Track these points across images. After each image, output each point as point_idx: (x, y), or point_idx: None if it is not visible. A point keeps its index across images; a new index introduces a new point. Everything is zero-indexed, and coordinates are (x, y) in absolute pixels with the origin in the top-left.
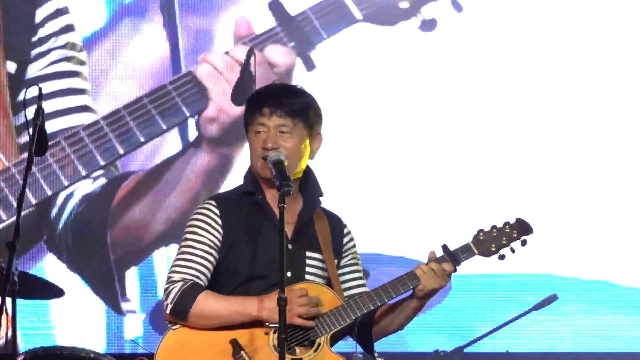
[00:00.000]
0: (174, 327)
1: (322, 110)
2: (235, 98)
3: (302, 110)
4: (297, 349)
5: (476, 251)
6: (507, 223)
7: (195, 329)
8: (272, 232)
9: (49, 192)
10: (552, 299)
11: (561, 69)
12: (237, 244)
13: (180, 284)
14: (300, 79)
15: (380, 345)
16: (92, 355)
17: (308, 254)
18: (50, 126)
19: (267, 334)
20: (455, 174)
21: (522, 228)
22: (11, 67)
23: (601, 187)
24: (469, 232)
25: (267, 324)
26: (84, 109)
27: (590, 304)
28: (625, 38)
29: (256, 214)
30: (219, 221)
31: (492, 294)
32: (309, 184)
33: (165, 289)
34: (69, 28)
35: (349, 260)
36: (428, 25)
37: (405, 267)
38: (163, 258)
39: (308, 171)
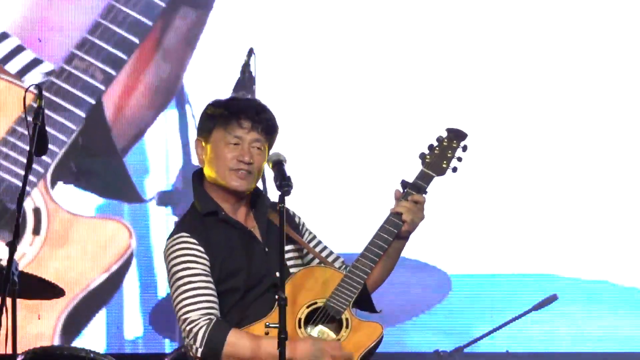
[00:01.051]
0: None
1: (311, 109)
2: None
3: (274, 131)
4: (329, 332)
5: (433, 173)
6: (441, 138)
7: None
8: (246, 242)
9: (93, 101)
10: (552, 299)
11: (562, 68)
12: (221, 266)
13: (203, 323)
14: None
15: (379, 347)
16: (92, 355)
17: (285, 247)
18: None
19: (294, 330)
20: (453, 175)
21: (457, 136)
22: None
23: (601, 186)
24: (468, 230)
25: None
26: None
27: (591, 304)
28: (627, 34)
29: (225, 230)
30: (200, 248)
31: (492, 294)
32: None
33: (188, 331)
34: None
35: (309, 236)
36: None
37: (403, 267)
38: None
39: None
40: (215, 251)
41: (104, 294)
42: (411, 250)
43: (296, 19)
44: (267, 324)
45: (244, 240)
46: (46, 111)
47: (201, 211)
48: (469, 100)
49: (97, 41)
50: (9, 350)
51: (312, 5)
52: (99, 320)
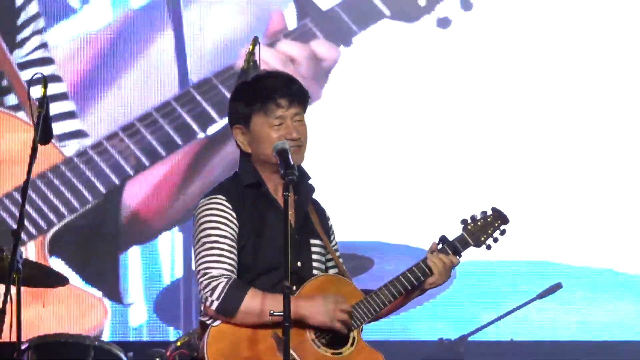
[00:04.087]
0: (214, 325)
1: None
2: None
3: (308, 97)
4: (334, 343)
5: (471, 242)
6: (485, 213)
7: (236, 325)
8: (279, 223)
9: (117, 182)
10: (556, 287)
11: (566, 62)
12: (250, 238)
13: (223, 279)
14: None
15: (384, 334)
16: (96, 342)
17: (311, 241)
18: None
19: (303, 327)
20: (458, 164)
21: (501, 218)
22: None
23: (605, 175)
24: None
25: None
26: (63, 96)
27: (595, 291)
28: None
29: (261, 205)
30: (234, 214)
31: (497, 282)
32: (300, 172)
33: (206, 284)
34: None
35: (335, 244)
36: (443, 22)
37: (408, 255)
38: (167, 245)
39: None
40: (247, 221)
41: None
42: (416, 238)
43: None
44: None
45: (275, 220)
46: (69, 175)
47: (243, 182)
48: (473, 95)
49: (142, 129)
50: (14, 338)
51: None
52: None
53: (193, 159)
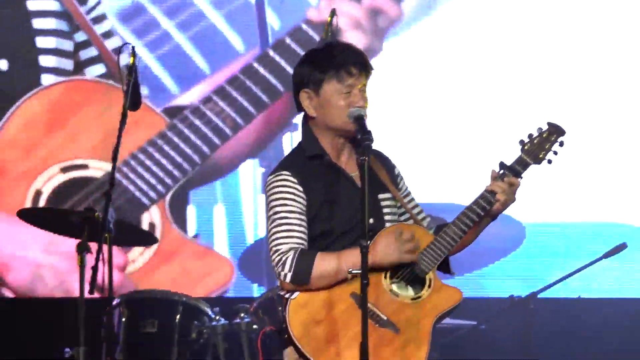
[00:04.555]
0: (292, 297)
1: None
2: None
3: (371, 71)
4: (411, 288)
5: (530, 161)
6: (541, 130)
7: (312, 291)
8: (347, 187)
9: (219, 143)
10: (622, 247)
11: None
12: (320, 207)
13: (292, 252)
14: None
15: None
16: (184, 298)
17: (380, 196)
18: None
19: (379, 280)
20: (526, 120)
21: (557, 130)
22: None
23: None
24: (541, 181)
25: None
26: None
27: None
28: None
29: (326, 173)
30: (300, 188)
31: (564, 243)
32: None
33: (277, 260)
34: None
35: (405, 190)
36: None
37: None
38: (250, 206)
39: None
40: (314, 192)
41: None
42: (458, 196)
43: None
44: (350, 270)
45: (343, 186)
46: (175, 139)
47: (307, 153)
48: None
49: (233, 92)
50: (106, 294)
51: None
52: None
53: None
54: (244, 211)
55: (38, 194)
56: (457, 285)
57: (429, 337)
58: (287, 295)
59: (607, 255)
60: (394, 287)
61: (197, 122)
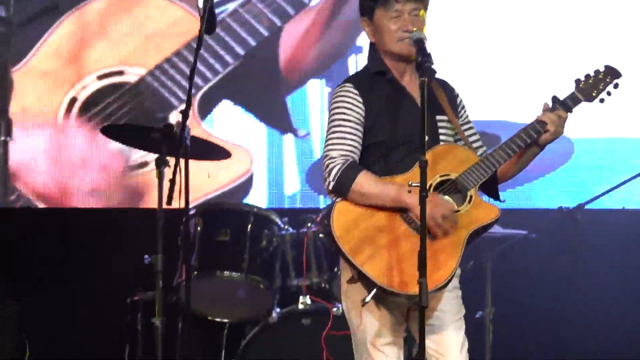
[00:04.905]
0: (338, 200)
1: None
2: None
3: None
4: (453, 202)
5: (582, 98)
6: (598, 71)
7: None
8: (406, 103)
9: (253, 43)
10: None
11: None
12: (378, 118)
13: (339, 161)
14: None
15: (511, 202)
16: (255, 209)
17: (437, 117)
18: None
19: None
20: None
21: (612, 73)
22: None
23: None
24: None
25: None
26: None
27: None
28: None
29: (388, 89)
30: (360, 99)
31: (610, 157)
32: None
33: (326, 165)
34: None
35: (465, 118)
36: None
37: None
38: (317, 122)
39: None
40: (374, 104)
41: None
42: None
43: None
44: (410, 182)
45: (403, 102)
46: (209, 41)
47: (371, 70)
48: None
49: None
50: (182, 205)
51: None
52: (261, 180)
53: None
54: (312, 128)
55: (73, 100)
56: (510, 197)
57: (462, 248)
58: (335, 199)
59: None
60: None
61: (234, 24)
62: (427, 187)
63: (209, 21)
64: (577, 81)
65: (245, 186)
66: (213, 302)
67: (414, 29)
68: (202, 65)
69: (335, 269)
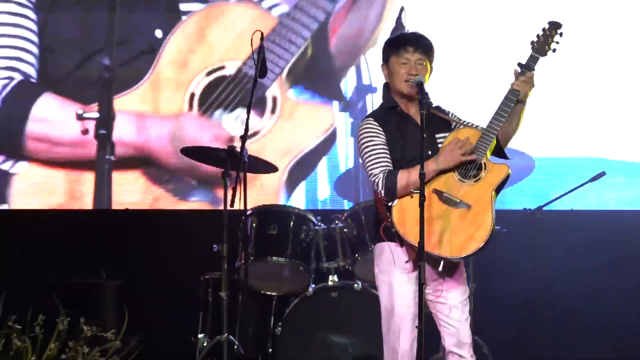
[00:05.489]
0: (393, 204)
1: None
2: None
3: (430, 51)
4: (473, 175)
5: (539, 55)
6: (544, 29)
7: (402, 197)
8: (412, 129)
9: (314, 30)
10: (601, 174)
11: None
12: (392, 141)
13: (380, 175)
14: None
15: None
16: (296, 210)
17: (437, 135)
18: None
19: (450, 175)
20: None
21: (555, 25)
22: None
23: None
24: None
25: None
26: None
27: (630, 177)
28: None
29: (399, 120)
30: (380, 128)
31: (563, 171)
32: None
33: (374, 182)
34: None
35: (455, 116)
36: None
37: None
38: (343, 146)
39: None
40: (389, 132)
41: (312, 160)
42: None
43: None
44: (412, 190)
45: (410, 128)
46: (283, 31)
47: (385, 106)
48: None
49: None
50: (242, 207)
51: None
52: (300, 188)
53: None
54: (339, 150)
55: (192, 96)
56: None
57: (492, 204)
58: (388, 203)
59: (591, 180)
60: (460, 176)
61: (298, 14)
62: (455, 170)
63: (262, 68)
64: (532, 43)
65: (331, 139)
66: (265, 280)
67: (417, 74)
68: (281, 49)
69: (356, 255)
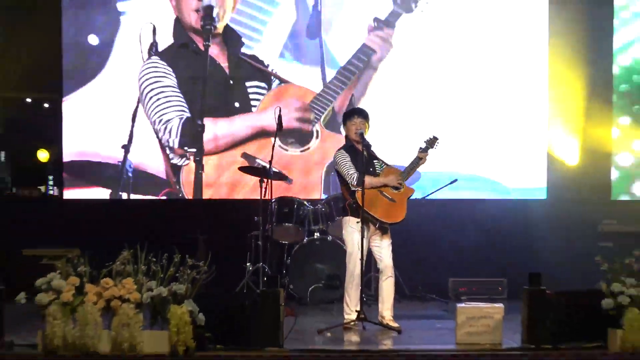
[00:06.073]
0: (357, 190)
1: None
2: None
3: (367, 117)
4: (398, 189)
5: (429, 146)
6: (434, 138)
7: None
8: (360, 157)
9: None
10: (454, 181)
11: None
12: (353, 162)
13: (355, 175)
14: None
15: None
16: (298, 200)
17: (374, 162)
18: None
19: (387, 188)
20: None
21: (431, 141)
22: None
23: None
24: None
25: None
26: None
27: (473, 182)
28: None
29: (355, 152)
30: (347, 154)
31: (436, 179)
32: (364, 140)
33: (350, 178)
34: None
35: (379, 161)
36: None
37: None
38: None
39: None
40: (351, 158)
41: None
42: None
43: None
44: (367, 187)
45: (360, 157)
46: (324, 94)
47: (347, 145)
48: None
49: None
50: (269, 197)
51: None
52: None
53: None
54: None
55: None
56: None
57: (405, 202)
58: (353, 189)
59: (449, 183)
60: (393, 189)
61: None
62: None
63: (279, 125)
64: (420, 149)
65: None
66: (281, 236)
67: (360, 130)
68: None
69: (329, 222)
